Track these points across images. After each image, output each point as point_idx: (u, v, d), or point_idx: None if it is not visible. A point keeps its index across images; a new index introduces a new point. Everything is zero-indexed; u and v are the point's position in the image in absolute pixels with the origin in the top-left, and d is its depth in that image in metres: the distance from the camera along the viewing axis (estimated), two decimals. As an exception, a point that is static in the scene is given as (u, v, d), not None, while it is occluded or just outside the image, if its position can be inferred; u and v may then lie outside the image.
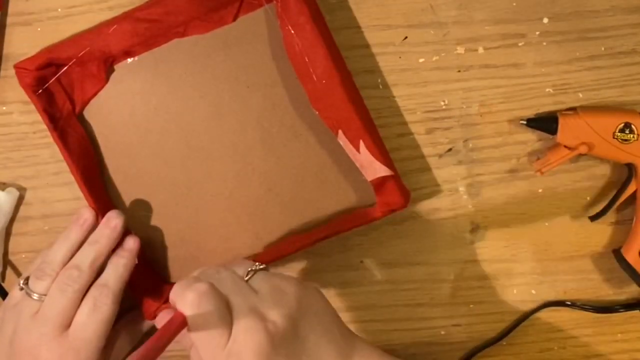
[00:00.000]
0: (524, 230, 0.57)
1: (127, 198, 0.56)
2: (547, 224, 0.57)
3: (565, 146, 0.53)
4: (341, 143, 0.54)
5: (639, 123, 0.52)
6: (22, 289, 0.50)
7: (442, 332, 0.58)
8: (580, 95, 0.55)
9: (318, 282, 0.57)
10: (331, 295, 0.57)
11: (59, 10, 0.54)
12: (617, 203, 0.54)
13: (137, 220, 0.56)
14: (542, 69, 0.55)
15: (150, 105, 0.55)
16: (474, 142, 0.56)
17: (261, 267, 0.45)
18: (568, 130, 0.53)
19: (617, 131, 0.52)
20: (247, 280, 0.44)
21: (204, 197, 0.56)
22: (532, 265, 0.57)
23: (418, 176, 0.56)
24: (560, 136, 0.53)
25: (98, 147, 0.55)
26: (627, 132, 0.52)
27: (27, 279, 0.50)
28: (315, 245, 0.54)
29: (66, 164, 0.53)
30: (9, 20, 0.55)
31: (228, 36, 0.54)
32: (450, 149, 0.56)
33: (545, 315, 0.58)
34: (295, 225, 0.55)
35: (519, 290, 0.58)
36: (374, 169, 0.52)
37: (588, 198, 0.56)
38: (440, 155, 0.56)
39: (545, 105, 0.55)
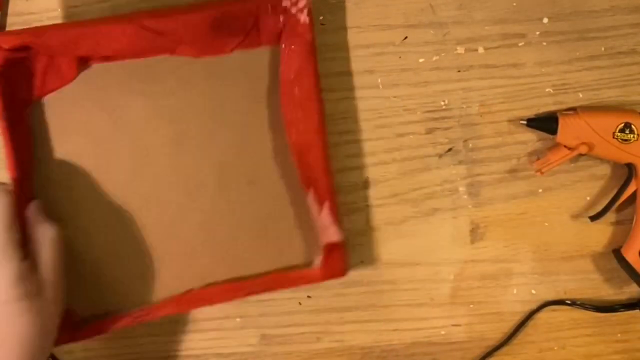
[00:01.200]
0: (524, 230, 0.57)
1: (63, 206, 0.52)
2: (547, 224, 0.57)
3: (565, 146, 0.53)
4: (308, 201, 0.53)
5: (639, 123, 0.52)
6: None
7: (442, 332, 0.58)
8: (580, 95, 0.55)
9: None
10: (331, 295, 0.58)
11: (59, 10, 0.54)
12: (617, 203, 0.54)
13: (74, 232, 0.52)
14: (542, 69, 0.55)
15: (112, 115, 0.51)
16: (474, 142, 0.56)
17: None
18: (568, 130, 0.53)
19: (617, 131, 0.52)
20: None
21: (144, 220, 0.52)
22: (532, 265, 0.57)
23: (418, 176, 0.56)
24: (561, 136, 0.53)
25: (43, 146, 0.51)
26: (627, 132, 0.52)
27: None
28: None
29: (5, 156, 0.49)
30: (9, 20, 0.55)
31: (217, 67, 0.51)
32: (450, 149, 0.56)
33: (545, 315, 0.58)
34: (227, 274, 0.53)
35: (519, 290, 0.58)
36: (329, 233, 0.52)
37: (588, 198, 0.56)
38: (440, 155, 0.56)
39: (545, 105, 0.55)
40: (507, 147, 0.56)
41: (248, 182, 0.53)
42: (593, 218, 0.55)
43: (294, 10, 0.50)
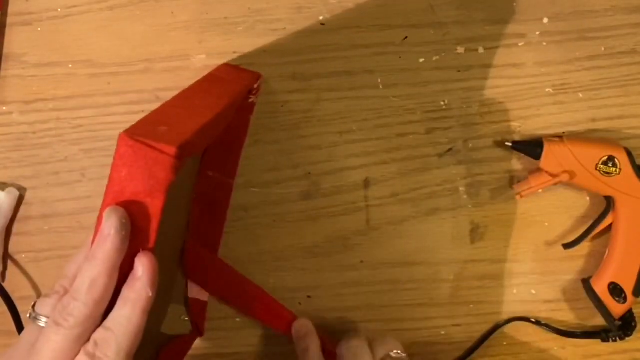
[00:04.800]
0: (524, 230, 0.57)
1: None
2: (547, 224, 0.57)
3: (547, 172, 0.53)
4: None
5: (623, 157, 0.52)
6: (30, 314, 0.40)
7: (442, 332, 0.58)
8: (580, 95, 0.55)
9: (318, 282, 0.57)
10: (331, 295, 0.57)
11: (59, 10, 0.54)
12: (592, 234, 0.54)
13: None
14: (542, 69, 0.55)
15: None
16: (474, 142, 0.56)
17: (400, 356, 0.48)
18: (552, 156, 0.52)
19: (600, 163, 0.52)
20: None
21: None
22: (532, 265, 0.57)
23: (418, 176, 0.56)
24: (544, 162, 0.53)
25: None
26: (610, 165, 0.52)
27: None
28: (315, 245, 0.54)
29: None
30: (9, 20, 0.55)
31: None
32: (450, 149, 0.56)
33: (545, 315, 0.58)
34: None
35: (519, 290, 0.58)
36: (199, 292, 0.56)
37: (588, 198, 0.56)
38: (440, 155, 0.56)
39: (545, 105, 0.55)
40: (507, 147, 0.56)
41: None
42: (567, 246, 0.55)
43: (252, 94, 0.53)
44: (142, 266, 0.37)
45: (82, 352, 0.36)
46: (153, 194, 0.36)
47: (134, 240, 0.37)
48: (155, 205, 0.37)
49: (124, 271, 0.37)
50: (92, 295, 0.36)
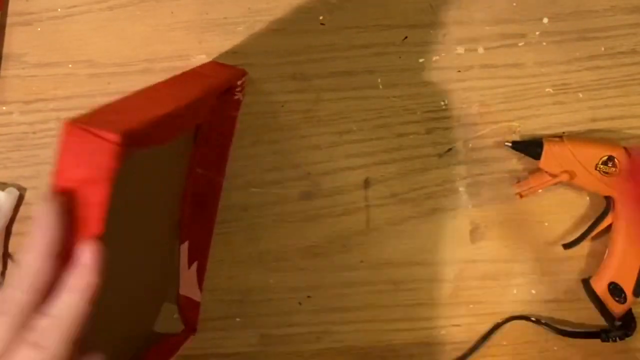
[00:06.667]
0: (524, 230, 0.57)
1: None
2: (547, 224, 0.57)
3: (547, 172, 0.53)
4: (180, 252, 0.55)
5: (622, 157, 0.52)
6: None
7: (442, 332, 0.58)
8: (580, 95, 0.55)
9: (318, 282, 0.57)
10: (331, 295, 0.57)
11: (59, 10, 0.54)
12: (592, 234, 0.54)
13: None
14: (542, 69, 0.55)
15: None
16: (474, 142, 0.56)
17: None
18: (552, 156, 0.53)
19: (599, 163, 0.52)
20: None
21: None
22: (532, 265, 0.57)
23: (418, 176, 0.56)
24: (544, 162, 0.53)
25: None
26: (609, 165, 0.52)
27: None
28: (315, 245, 0.54)
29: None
30: (9, 20, 0.55)
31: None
32: (450, 149, 0.56)
33: (545, 315, 0.58)
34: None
35: (519, 290, 0.58)
36: (192, 290, 0.56)
37: (588, 198, 0.56)
38: (440, 155, 0.56)
39: (545, 105, 0.55)
40: (507, 147, 0.56)
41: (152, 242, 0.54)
42: (567, 246, 0.55)
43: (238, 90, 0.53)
44: (85, 254, 0.36)
45: (24, 340, 0.35)
46: (97, 181, 0.36)
47: (79, 228, 0.37)
48: (99, 193, 0.36)
49: (69, 259, 0.37)
50: (29, 282, 0.36)
